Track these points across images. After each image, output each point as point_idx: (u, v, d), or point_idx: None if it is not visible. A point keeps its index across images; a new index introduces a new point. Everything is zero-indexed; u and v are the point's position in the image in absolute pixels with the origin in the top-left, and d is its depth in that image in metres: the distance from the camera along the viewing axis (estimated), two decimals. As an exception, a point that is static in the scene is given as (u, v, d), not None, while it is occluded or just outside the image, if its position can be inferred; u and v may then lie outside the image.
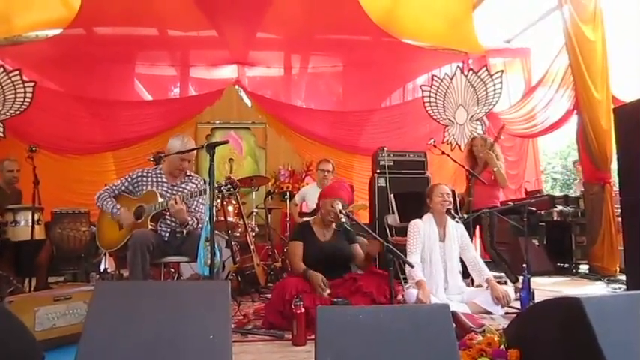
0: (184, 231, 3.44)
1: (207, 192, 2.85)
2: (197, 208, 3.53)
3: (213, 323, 1.72)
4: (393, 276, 2.66)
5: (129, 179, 3.55)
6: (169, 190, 3.52)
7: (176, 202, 3.25)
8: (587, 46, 5.47)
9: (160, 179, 3.54)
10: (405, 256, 2.89)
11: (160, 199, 3.34)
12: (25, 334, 1.94)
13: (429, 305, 2.88)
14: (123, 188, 3.53)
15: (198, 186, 3.60)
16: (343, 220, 3.19)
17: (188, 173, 3.69)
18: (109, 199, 3.47)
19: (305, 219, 5.31)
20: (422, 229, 3.61)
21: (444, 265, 3.57)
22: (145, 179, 3.53)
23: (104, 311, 1.73)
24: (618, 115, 4.21)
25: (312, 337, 2.40)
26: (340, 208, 3.19)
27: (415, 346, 1.71)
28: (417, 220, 3.67)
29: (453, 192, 4.85)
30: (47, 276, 4.67)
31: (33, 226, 4.13)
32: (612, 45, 5.60)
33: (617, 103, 5.24)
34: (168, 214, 3.38)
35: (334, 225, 3.43)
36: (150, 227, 3.32)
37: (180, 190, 3.54)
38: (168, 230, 3.46)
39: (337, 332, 1.70)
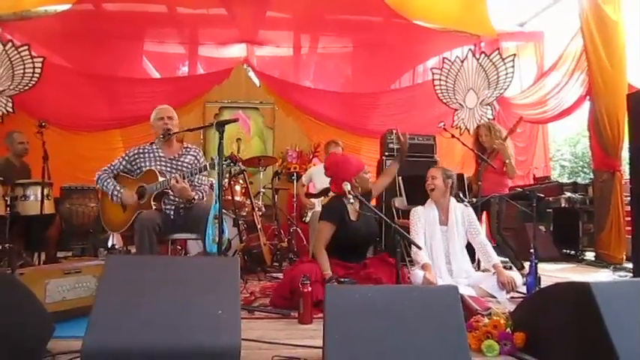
0: (191, 206, 3.39)
1: (215, 169, 2.82)
2: (200, 181, 3.48)
3: (222, 299, 1.74)
4: (400, 259, 2.66)
5: (126, 157, 3.50)
6: (168, 164, 3.47)
7: (177, 181, 3.20)
8: (608, 27, 5.36)
9: (157, 154, 3.48)
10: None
11: (161, 178, 3.29)
12: (36, 306, 1.97)
13: (437, 286, 2.89)
14: (121, 167, 3.49)
15: (198, 157, 3.57)
16: (352, 201, 3.17)
17: (185, 145, 3.63)
18: (108, 180, 3.43)
19: (312, 199, 5.35)
20: (422, 215, 3.61)
21: (445, 249, 3.56)
22: (142, 155, 3.48)
23: (115, 285, 1.75)
24: (632, 102, 4.15)
25: (319, 315, 2.43)
26: (349, 188, 3.17)
27: (423, 327, 1.72)
28: (417, 207, 3.69)
29: (461, 175, 4.84)
30: (56, 250, 4.73)
31: (42, 201, 4.15)
32: (628, 30, 5.50)
33: (632, 90, 5.16)
34: (170, 191, 3.34)
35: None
36: (154, 207, 3.29)
37: (179, 163, 3.49)
38: (173, 207, 3.42)
39: (346, 311, 1.71)
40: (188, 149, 3.61)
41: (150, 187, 3.31)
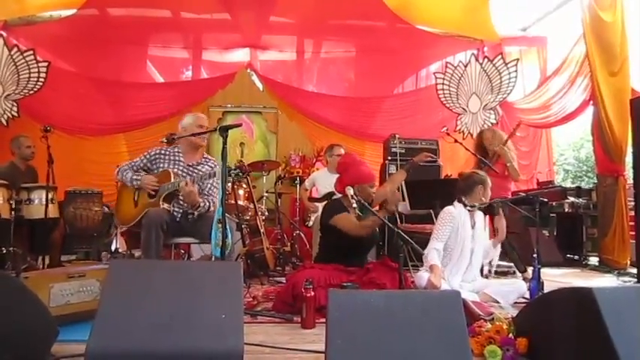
0: (195, 213, 3.46)
1: (219, 174, 2.86)
2: (210, 191, 3.55)
3: (225, 303, 1.75)
4: (403, 263, 2.66)
5: (147, 156, 3.64)
6: (185, 170, 3.57)
7: (187, 184, 3.27)
8: (608, 33, 5.35)
9: (177, 158, 3.61)
10: (416, 243, 2.86)
11: (173, 179, 3.39)
12: (40, 309, 1.98)
13: (439, 291, 2.88)
14: (142, 165, 3.62)
15: (213, 168, 3.62)
16: (354, 205, 3.18)
17: (205, 155, 3.74)
18: (128, 171, 3.57)
19: (316, 204, 5.36)
20: (456, 216, 3.45)
21: (471, 252, 3.49)
22: (162, 157, 3.60)
23: (119, 289, 1.76)
24: (635, 107, 4.13)
25: (321, 320, 2.43)
26: (352, 193, 3.18)
27: (425, 332, 1.72)
28: (451, 208, 3.50)
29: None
30: (60, 254, 4.74)
31: (47, 205, 4.17)
32: (631, 35, 5.50)
33: (636, 95, 5.15)
34: (180, 194, 3.41)
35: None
36: (163, 207, 3.36)
37: (196, 171, 3.58)
38: (181, 211, 3.49)
39: (348, 316, 1.71)
40: (207, 160, 3.72)
41: (162, 186, 3.41)
